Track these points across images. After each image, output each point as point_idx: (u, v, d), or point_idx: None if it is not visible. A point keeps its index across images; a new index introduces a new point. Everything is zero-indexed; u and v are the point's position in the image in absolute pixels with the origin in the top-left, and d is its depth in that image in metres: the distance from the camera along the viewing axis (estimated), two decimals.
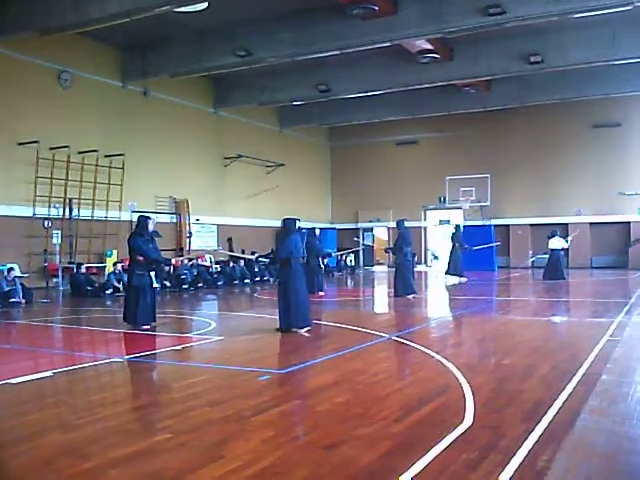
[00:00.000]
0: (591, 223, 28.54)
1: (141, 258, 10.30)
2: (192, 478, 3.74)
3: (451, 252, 22.05)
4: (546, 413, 4.97)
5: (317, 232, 18.35)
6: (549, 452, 4.11)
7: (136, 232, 10.49)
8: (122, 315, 10.52)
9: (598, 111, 27.70)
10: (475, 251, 22.86)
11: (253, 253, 23.03)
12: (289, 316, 9.60)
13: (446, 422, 4.78)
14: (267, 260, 11.54)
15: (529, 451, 4.13)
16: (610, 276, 23.09)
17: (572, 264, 28.32)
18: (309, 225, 27.86)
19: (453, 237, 22.20)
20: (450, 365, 6.88)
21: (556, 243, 21.17)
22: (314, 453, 4.20)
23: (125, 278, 17.30)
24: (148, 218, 10.54)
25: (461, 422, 4.76)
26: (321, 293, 16.89)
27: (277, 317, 10.00)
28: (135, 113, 21.96)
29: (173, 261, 11.44)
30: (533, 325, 11.38)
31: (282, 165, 28.71)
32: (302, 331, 9.59)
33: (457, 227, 22.77)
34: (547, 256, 21.51)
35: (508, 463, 3.91)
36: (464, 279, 21.18)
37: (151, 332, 9.86)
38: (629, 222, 27.90)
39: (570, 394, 5.59)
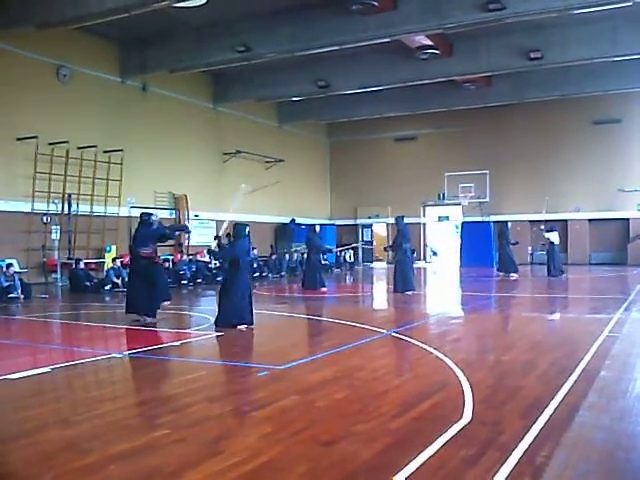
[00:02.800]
0: (590, 220, 28.54)
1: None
2: (191, 473, 3.75)
3: (499, 250, 22.27)
4: (545, 409, 4.97)
5: (317, 228, 18.34)
6: (548, 448, 4.12)
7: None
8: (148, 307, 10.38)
9: (598, 107, 27.67)
10: (476, 248, 23.02)
11: (253, 249, 23.11)
12: (229, 313, 9.72)
13: (445, 418, 4.78)
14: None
15: (528, 447, 4.13)
16: (609, 272, 23.11)
17: (571, 260, 28.35)
18: (308, 221, 27.94)
19: (500, 235, 22.23)
20: (449, 361, 6.88)
21: (555, 237, 21.16)
22: (313, 449, 4.21)
23: (124, 274, 17.37)
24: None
25: (460, 418, 4.76)
26: (323, 289, 16.92)
27: (275, 312, 10.09)
28: (134, 109, 21.91)
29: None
30: (532, 321, 11.38)
31: (281, 161, 28.67)
32: (242, 327, 9.64)
33: (505, 224, 22.69)
34: (544, 252, 21.54)
35: (507, 459, 3.91)
36: (515, 275, 21.16)
37: (150, 327, 9.84)
38: (628, 219, 27.90)
39: (569, 390, 5.59)
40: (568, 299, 15.56)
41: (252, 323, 9.77)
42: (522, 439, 4.27)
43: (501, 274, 21.47)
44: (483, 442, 4.26)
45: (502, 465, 3.81)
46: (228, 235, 21.21)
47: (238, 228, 10.33)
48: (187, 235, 22.86)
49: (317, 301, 14.90)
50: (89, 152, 19.66)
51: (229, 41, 19.28)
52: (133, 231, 10.94)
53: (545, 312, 12.59)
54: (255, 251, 19.76)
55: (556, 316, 12.03)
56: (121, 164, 20.45)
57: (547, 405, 5.09)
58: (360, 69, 22.71)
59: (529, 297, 15.94)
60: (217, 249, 10.44)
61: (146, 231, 10.41)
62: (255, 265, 22.13)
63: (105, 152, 20.17)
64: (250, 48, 19.12)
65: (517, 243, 22.55)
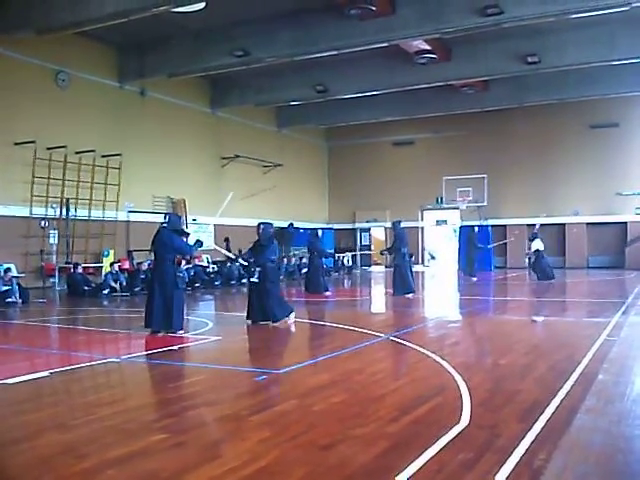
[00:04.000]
0: (588, 223, 28.58)
1: (179, 258, 10.27)
2: (189, 478, 3.74)
3: (467, 251, 22.92)
4: (543, 413, 4.97)
5: (320, 233, 18.46)
6: (546, 451, 4.12)
7: (170, 230, 9.80)
8: (154, 322, 9.62)
9: (596, 111, 27.74)
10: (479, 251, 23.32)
11: (240, 252, 23.13)
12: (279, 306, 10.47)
13: (442, 422, 4.77)
14: (246, 263, 11.63)
15: (526, 450, 4.13)
16: (607, 276, 23.13)
17: (569, 264, 28.38)
18: (306, 225, 27.95)
19: (469, 238, 23.01)
20: (447, 365, 6.88)
21: (539, 244, 21.21)
22: (311, 453, 4.20)
23: (122, 278, 17.35)
24: (180, 216, 10.49)
25: (458, 422, 4.76)
26: (327, 293, 16.98)
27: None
28: (132, 113, 21.94)
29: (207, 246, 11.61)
30: (530, 325, 11.40)
31: (280, 165, 28.70)
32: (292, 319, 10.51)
33: (473, 228, 23.77)
34: (531, 259, 21.76)
35: (505, 463, 3.91)
36: (474, 279, 21.51)
37: (147, 332, 9.83)
38: (626, 222, 27.94)
39: (567, 394, 5.59)
40: (566, 303, 15.58)
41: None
42: (520, 442, 4.27)
43: (462, 275, 22.16)
44: (481, 445, 4.25)
45: (500, 468, 3.81)
46: (227, 240, 21.17)
47: (268, 229, 10.91)
48: (185, 239, 22.85)
49: (316, 305, 14.89)
50: (87, 157, 19.68)
51: (227, 46, 19.32)
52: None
53: (543, 316, 12.59)
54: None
55: (554, 319, 12.03)
56: (119, 169, 20.46)
57: (545, 408, 5.09)
58: (358, 74, 22.75)
59: (527, 301, 15.95)
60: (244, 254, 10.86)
61: (181, 241, 10.16)
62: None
63: (103, 157, 20.18)
64: (248, 53, 19.16)
65: (483, 248, 23.06)
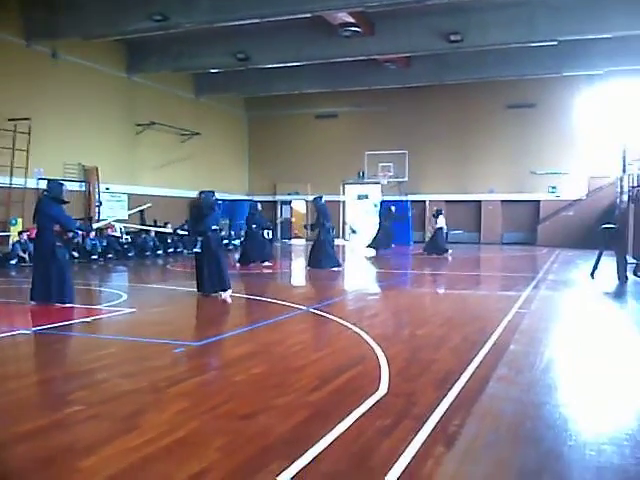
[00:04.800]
0: (503, 201, 29.58)
1: (58, 227, 9.54)
2: (106, 449, 3.64)
3: (379, 227, 23.51)
4: (457, 381, 5.14)
5: (259, 206, 18.54)
6: (460, 418, 4.26)
7: (49, 198, 9.43)
8: (35, 294, 9.26)
9: (513, 92, 28.54)
10: (396, 227, 23.86)
11: (166, 224, 22.58)
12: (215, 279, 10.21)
13: (362, 391, 4.85)
14: (186, 233, 11.30)
15: (441, 417, 4.26)
16: (520, 252, 24.08)
17: (483, 240, 29.35)
18: (225, 196, 27.58)
19: (382, 214, 23.65)
20: (366, 336, 6.98)
21: (442, 221, 21.91)
22: (230, 423, 4.17)
23: (31, 248, 16.61)
24: (62, 184, 9.77)
25: (376, 390, 4.84)
26: (268, 263, 17.08)
27: (191, 289, 10.10)
28: (43, 75, 20.76)
29: (95, 226, 10.73)
30: (446, 298, 11.75)
31: (197, 134, 28.03)
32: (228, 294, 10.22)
33: (389, 207, 24.40)
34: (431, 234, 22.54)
35: (421, 429, 4.01)
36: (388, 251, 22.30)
37: (60, 304, 9.46)
38: (539, 201, 29.09)
39: (480, 363, 5.79)
40: (480, 277, 16.13)
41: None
42: (435, 410, 4.40)
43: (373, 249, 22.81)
44: (398, 413, 4.35)
45: (416, 434, 3.91)
46: (142, 210, 20.60)
47: (210, 197, 10.60)
48: (97, 209, 22.10)
49: (236, 278, 14.77)
50: None
51: (145, 9, 18.50)
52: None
53: (458, 289, 12.98)
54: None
55: (468, 293, 12.43)
56: (28, 133, 19.42)
57: (459, 377, 5.26)
58: (281, 44, 22.41)
59: (444, 274, 16.40)
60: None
61: (60, 211, 9.51)
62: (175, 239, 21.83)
63: (10, 120, 19.07)
64: (167, 17, 18.44)
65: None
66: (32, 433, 3.94)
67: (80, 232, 10.80)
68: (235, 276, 14.70)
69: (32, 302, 9.17)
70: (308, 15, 18.16)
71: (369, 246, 23.22)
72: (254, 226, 17.53)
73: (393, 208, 24.42)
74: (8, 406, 4.52)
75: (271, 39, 22.20)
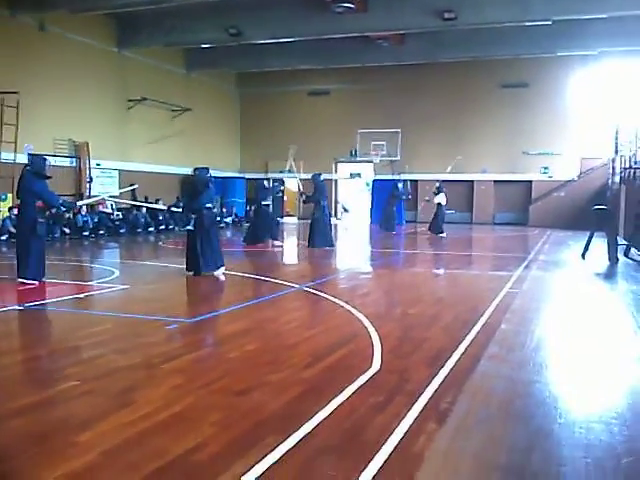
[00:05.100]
0: (495, 181, 29.60)
1: (40, 203, 9.42)
2: (102, 424, 3.67)
3: (385, 207, 23.57)
4: (449, 359, 5.20)
5: (267, 183, 18.06)
6: (451, 395, 4.31)
7: (32, 173, 9.26)
8: (19, 271, 9.12)
9: (507, 71, 28.42)
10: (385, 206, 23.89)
11: (157, 201, 22.45)
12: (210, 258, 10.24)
13: (355, 368, 4.89)
14: (180, 210, 11.18)
15: (433, 394, 4.31)
16: (511, 232, 24.18)
17: (475, 220, 29.40)
18: (217, 173, 27.41)
19: (392, 193, 23.47)
20: (359, 314, 7.03)
21: (441, 198, 21.79)
22: (225, 399, 4.21)
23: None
24: (45, 159, 9.58)
25: (369, 368, 4.89)
26: (278, 242, 16.92)
27: (183, 266, 10.12)
28: (31, 49, 20.47)
29: (79, 205, 10.50)
30: (438, 277, 11.80)
31: (189, 110, 27.80)
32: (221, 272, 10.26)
33: (396, 184, 24.19)
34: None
35: (413, 405, 4.07)
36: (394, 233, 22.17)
37: (51, 281, 9.45)
38: (531, 181, 29.13)
39: (471, 342, 5.86)
40: (472, 257, 16.20)
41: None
42: (427, 386, 4.46)
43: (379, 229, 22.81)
44: (391, 389, 4.40)
45: (409, 410, 3.97)
46: (132, 186, 20.47)
47: (204, 174, 10.52)
48: (88, 185, 21.95)
49: (230, 256, 14.76)
50: None
51: None
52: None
53: (451, 269, 13.05)
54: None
55: (460, 272, 12.50)
56: (17, 107, 19.19)
57: (450, 355, 5.32)
58: (273, 19, 22.18)
59: (436, 254, 16.46)
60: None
61: (42, 186, 9.30)
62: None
63: None
64: None
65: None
66: (26, 408, 3.97)
67: (63, 209, 10.62)
68: (233, 254, 14.71)
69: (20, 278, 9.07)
70: None
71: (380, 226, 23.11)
72: (264, 203, 16.94)
73: (400, 185, 24.04)
74: (2, 382, 4.54)
75: (263, 14, 21.96)
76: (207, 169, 10.77)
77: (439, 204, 21.64)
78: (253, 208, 17.87)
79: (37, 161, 9.41)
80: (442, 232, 21.07)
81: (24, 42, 20.14)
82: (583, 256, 13.47)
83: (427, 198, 22.87)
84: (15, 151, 19.27)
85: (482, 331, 6.33)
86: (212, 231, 10.40)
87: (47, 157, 9.77)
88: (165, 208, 11.49)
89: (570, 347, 6.04)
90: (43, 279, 9.17)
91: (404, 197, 24.12)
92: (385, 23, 21.35)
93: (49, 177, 9.50)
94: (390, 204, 23.31)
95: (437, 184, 22.45)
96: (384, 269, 12.81)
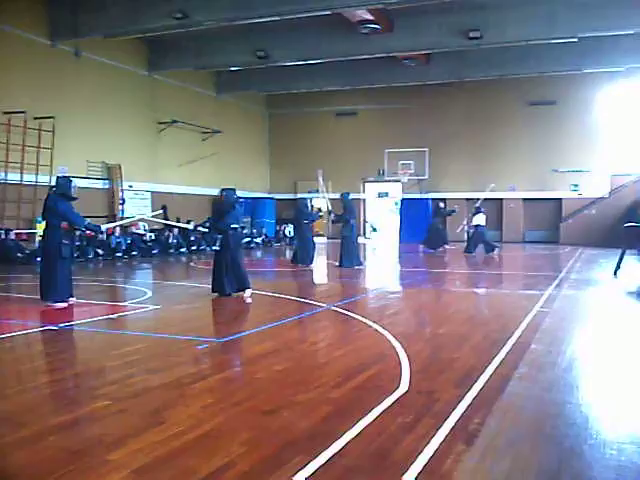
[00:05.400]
0: (525, 199, 29.39)
1: (65, 224, 9.34)
2: (133, 443, 3.74)
3: (430, 226, 23.38)
4: (478, 379, 5.17)
5: (309, 202, 17.72)
6: (480, 416, 4.30)
7: (57, 195, 9.31)
8: (42, 293, 9.22)
9: (534, 89, 28.34)
10: (415, 224, 23.73)
11: (189, 222, 22.69)
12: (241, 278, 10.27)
13: (383, 388, 4.90)
14: (206, 230, 11.28)
15: (461, 415, 4.30)
16: (542, 250, 23.92)
17: (505, 238, 29.17)
18: (246, 194, 27.74)
19: (435, 212, 23.46)
20: (387, 334, 7.03)
21: (480, 219, 21.66)
22: (254, 418, 4.25)
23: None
24: (70, 180, 9.52)
25: (397, 388, 4.90)
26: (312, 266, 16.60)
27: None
28: (66, 74, 21.07)
29: (103, 228, 10.55)
30: (467, 296, 11.72)
31: (219, 132, 28.23)
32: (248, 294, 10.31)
33: (438, 202, 23.98)
34: (472, 231, 22.17)
35: (441, 426, 4.06)
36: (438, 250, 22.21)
37: (84, 301, 9.63)
38: (561, 199, 28.86)
39: (501, 362, 5.82)
40: (502, 275, 16.06)
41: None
42: (456, 407, 4.44)
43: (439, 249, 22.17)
44: (419, 410, 4.40)
45: (437, 431, 3.97)
46: (164, 207, 20.71)
47: (231, 195, 10.53)
48: (121, 206, 22.36)
49: (259, 276, 14.89)
50: (18, 118, 18.84)
51: (166, 7, 18.71)
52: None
53: (480, 288, 12.97)
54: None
55: (490, 291, 12.42)
56: (52, 132, 19.72)
57: (480, 375, 5.29)
58: (300, 41, 22.50)
59: (466, 273, 16.36)
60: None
61: (66, 208, 9.34)
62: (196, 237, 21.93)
63: (35, 119, 19.38)
64: (188, 15, 18.62)
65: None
66: (62, 426, 4.07)
67: (88, 231, 10.67)
68: (262, 274, 14.85)
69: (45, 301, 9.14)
70: (327, 12, 18.20)
71: (424, 244, 22.82)
72: (305, 222, 16.89)
73: (442, 204, 23.76)
74: (40, 400, 4.65)
75: (290, 36, 22.30)
76: (234, 190, 10.87)
77: (477, 225, 21.54)
78: (293, 228, 17.60)
79: (63, 182, 9.39)
80: (472, 252, 21.08)
81: (60, 68, 20.76)
82: (615, 274, 13.28)
83: (464, 223, 22.78)
84: (50, 174, 19.74)
85: (512, 351, 6.28)
86: (238, 252, 10.43)
87: (73, 178, 9.75)
88: (192, 227, 11.59)
89: (602, 367, 5.96)
90: (71, 299, 9.30)
91: (449, 214, 23.83)
92: (411, 43, 21.51)
93: (75, 198, 9.51)
94: (435, 223, 23.06)
95: (476, 204, 22.32)
96: (413, 288, 12.78)
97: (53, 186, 9.56)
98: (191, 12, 18.58)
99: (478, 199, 22.76)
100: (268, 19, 18.68)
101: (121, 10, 19.33)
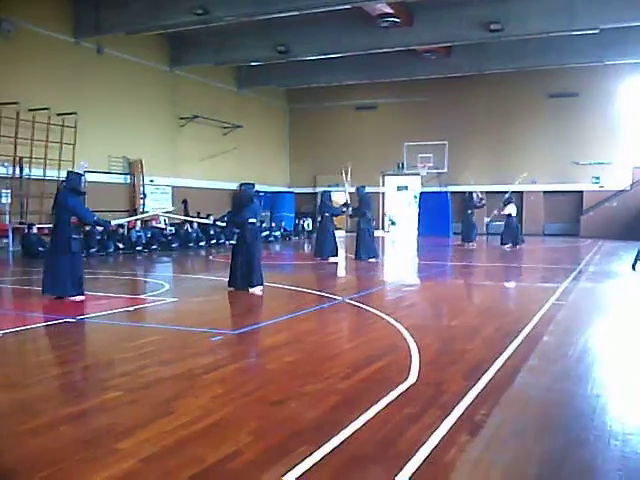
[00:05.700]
0: (545, 192, 29.13)
1: (75, 219, 9.38)
2: (142, 433, 3.82)
3: (464, 218, 22.69)
4: (487, 371, 5.18)
5: (332, 196, 17.59)
6: (487, 407, 4.32)
7: (68, 189, 9.29)
8: (45, 286, 9.21)
9: (555, 81, 28.04)
10: (433, 217, 23.51)
11: (208, 216, 22.85)
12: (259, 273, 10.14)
13: (391, 379, 4.94)
14: (224, 224, 11.32)
15: (468, 406, 4.32)
16: (562, 243, 23.72)
17: (526, 231, 28.84)
18: (266, 188, 27.84)
19: (465, 204, 22.78)
20: (400, 326, 7.06)
21: (512, 209, 21.52)
22: (262, 408, 4.32)
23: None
24: (81, 175, 9.58)
25: (406, 379, 4.93)
26: (335, 259, 16.47)
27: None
28: (88, 70, 21.32)
29: (113, 223, 10.58)
30: (483, 289, 11.70)
31: (239, 127, 28.36)
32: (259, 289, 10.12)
33: (469, 193, 22.99)
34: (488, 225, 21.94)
35: (447, 416, 4.09)
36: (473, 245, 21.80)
37: (103, 293, 9.78)
38: (582, 191, 28.56)
39: (512, 354, 5.82)
40: (520, 268, 15.97)
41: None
42: (463, 398, 4.46)
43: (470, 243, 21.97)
44: (426, 401, 4.43)
45: (443, 422, 3.99)
46: (185, 202, 20.82)
47: (249, 189, 10.54)
48: (142, 201, 22.58)
49: (275, 269, 14.98)
50: (41, 114, 19.13)
51: (187, 3, 18.87)
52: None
53: (496, 281, 12.92)
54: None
55: (507, 284, 12.36)
56: (75, 127, 19.98)
57: (490, 367, 5.30)
58: (320, 35, 22.52)
59: (483, 266, 16.31)
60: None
61: (76, 202, 9.30)
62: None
63: (58, 115, 19.66)
64: (208, 11, 18.75)
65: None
66: (74, 416, 4.17)
67: (98, 227, 10.71)
68: (279, 267, 14.94)
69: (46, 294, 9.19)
70: (347, 6, 18.20)
71: (463, 240, 22.32)
72: (327, 215, 16.76)
73: (475, 195, 22.92)
74: (53, 390, 4.77)
75: (310, 31, 22.32)
76: (253, 185, 10.89)
77: (509, 215, 21.41)
78: (318, 220, 17.47)
79: (73, 177, 9.38)
80: (508, 243, 20.98)
81: (83, 65, 21.03)
82: (634, 267, 13.13)
83: (495, 212, 22.52)
84: (72, 169, 19.99)
85: (524, 343, 6.28)
86: (254, 246, 10.35)
87: (83, 173, 9.78)
88: (211, 222, 11.66)
89: (613, 359, 5.94)
90: (78, 297, 9.22)
91: (479, 205, 23.06)
92: (430, 36, 21.42)
93: (84, 193, 9.54)
94: (468, 215, 22.41)
95: (506, 195, 22.10)
96: (429, 281, 12.78)
97: (64, 181, 9.61)
98: (211, 8, 18.71)
99: (507, 192, 22.43)
100: (288, 14, 18.73)
101: (142, 6, 19.53)
